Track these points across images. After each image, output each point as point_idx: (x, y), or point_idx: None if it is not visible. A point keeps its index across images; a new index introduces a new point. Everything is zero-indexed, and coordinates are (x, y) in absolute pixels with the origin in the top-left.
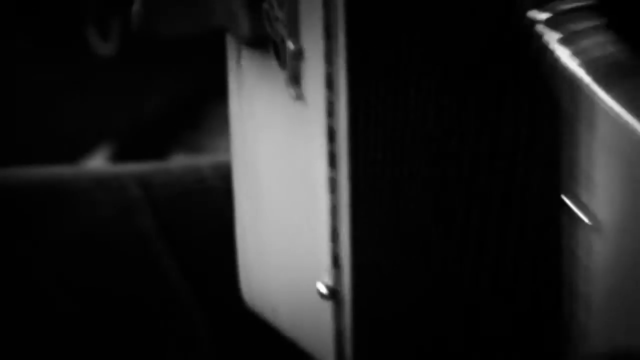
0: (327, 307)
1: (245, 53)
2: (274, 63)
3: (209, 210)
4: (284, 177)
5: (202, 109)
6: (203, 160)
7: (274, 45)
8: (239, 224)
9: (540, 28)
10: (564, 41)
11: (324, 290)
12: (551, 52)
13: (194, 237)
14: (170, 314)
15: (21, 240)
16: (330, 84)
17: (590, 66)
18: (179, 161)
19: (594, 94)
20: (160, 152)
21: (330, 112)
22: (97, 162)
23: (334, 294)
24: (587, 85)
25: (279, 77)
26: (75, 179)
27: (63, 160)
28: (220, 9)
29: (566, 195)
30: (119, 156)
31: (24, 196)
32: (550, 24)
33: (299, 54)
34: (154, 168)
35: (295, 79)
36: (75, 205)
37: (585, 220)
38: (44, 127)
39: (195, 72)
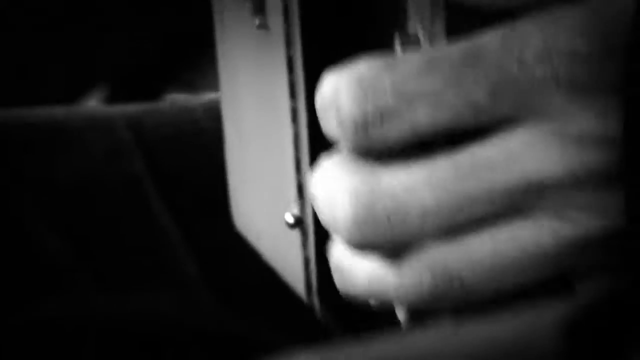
0: (296, 236)
1: None
2: None
3: (201, 151)
4: (259, 108)
5: (199, 48)
6: (196, 101)
7: None
8: (228, 152)
9: None
10: None
11: (290, 220)
12: None
13: (184, 179)
14: (161, 255)
15: (13, 178)
16: (286, 12)
17: None
18: (171, 102)
19: None
20: (156, 92)
21: (289, 42)
22: (92, 103)
23: (299, 223)
24: None
25: (247, 6)
26: (67, 120)
27: (59, 101)
28: None
29: None
30: (114, 97)
31: (16, 136)
32: None
33: None
34: (146, 109)
35: (259, 8)
36: (68, 145)
37: None
38: (40, 68)
39: (193, 11)
